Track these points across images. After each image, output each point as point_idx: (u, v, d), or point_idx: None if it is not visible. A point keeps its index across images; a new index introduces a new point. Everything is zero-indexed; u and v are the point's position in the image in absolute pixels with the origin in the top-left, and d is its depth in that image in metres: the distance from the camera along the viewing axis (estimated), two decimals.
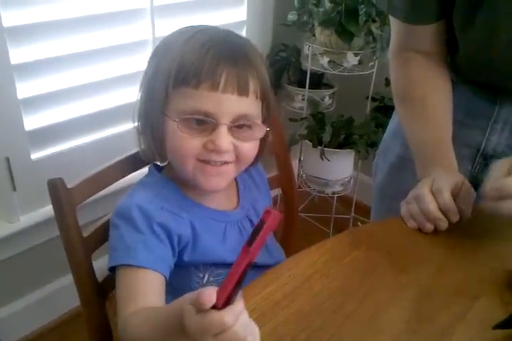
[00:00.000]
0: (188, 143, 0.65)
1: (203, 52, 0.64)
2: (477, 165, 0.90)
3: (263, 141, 0.72)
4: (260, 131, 0.69)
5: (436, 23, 0.79)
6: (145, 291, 0.61)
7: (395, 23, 0.83)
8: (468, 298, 0.62)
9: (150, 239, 0.64)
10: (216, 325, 0.42)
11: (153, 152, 0.71)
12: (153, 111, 0.68)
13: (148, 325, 0.54)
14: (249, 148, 0.68)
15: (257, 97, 0.67)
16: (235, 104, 0.64)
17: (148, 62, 0.71)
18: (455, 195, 0.73)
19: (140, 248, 0.63)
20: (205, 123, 0.64)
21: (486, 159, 0.88)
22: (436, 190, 0.72)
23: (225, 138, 0.64)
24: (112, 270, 0.65)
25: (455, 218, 0.72)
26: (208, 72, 0.63)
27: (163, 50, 0.70)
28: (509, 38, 0.73)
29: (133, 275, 0.62)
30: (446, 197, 0.72)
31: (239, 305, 0.43)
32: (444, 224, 0.72)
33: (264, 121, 0.70)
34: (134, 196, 0.68)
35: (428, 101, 0.83)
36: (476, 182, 0.90)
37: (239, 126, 0.66)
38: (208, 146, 0.65)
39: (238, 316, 0.43)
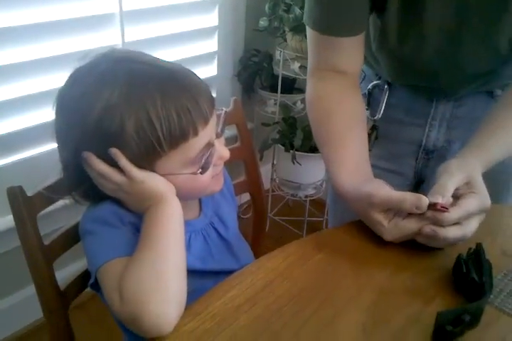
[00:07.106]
0: (207, 178, 0.68)
1: (179, 109, 0.61)
2: (420, 160, 0.96)
3: None
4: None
5: (357, 36, 0.77)
6: None
7: (313, 38, 0.79)
8: (423, 299, 0.63)
9: (127, 232, 0.64)
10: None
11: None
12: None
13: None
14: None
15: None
16: (213, 120, 0.67)
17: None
18: None
19: (121, 241, 0.63)
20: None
21: (428, 154, 0.95)
22: None
23: (223, 146, 0.69)
24: (93, 286, 0.64)
25: None
26: (197, 116, 0.63)
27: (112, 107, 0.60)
28: (436, 47, 0.78)
29: (119, 265, 0.60)
30: None
31: None
32: None
33: None
34: (99, 207, 0.67)
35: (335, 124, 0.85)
36: (420, 178, 0.99)
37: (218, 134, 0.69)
38: (218, 163, 0.69)
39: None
